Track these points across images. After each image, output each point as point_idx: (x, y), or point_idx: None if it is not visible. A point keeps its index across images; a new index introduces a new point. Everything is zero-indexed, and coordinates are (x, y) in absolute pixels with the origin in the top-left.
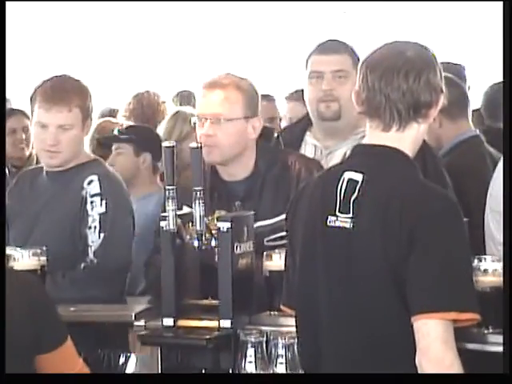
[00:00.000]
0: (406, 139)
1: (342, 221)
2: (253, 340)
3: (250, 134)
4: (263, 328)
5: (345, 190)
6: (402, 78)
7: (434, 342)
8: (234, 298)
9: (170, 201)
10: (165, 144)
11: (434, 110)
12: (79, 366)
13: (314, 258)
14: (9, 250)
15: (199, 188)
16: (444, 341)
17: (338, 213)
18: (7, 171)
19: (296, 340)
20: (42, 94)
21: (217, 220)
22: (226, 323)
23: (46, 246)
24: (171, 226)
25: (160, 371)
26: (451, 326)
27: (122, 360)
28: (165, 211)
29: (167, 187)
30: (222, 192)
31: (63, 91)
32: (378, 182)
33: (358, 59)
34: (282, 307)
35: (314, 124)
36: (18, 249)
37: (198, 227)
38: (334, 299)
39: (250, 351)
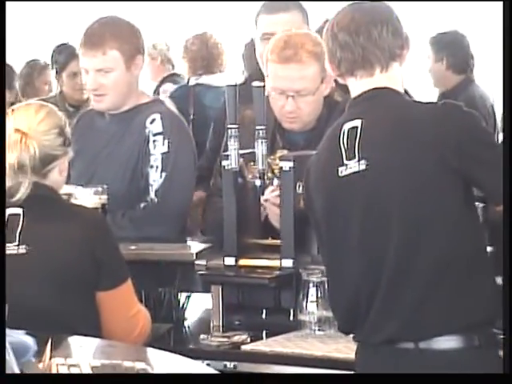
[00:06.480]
0: (392, 78)
1: (353, 166)
2: (315, 280)
3: (324, 92)
4: None
5: (347, 139)
6: (372, 27)
7: None
8: (296, 237)
9: (233, 140)
10: (228, 83)
11: (407, 51)
12: (135, 310)
13: (338, 215)
14: (70, 188)
15: (262, 127)
16: None
17: (346, 161)
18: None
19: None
20: (81, 38)
21: (279, 159)
22: (287, 263)
23: (107, 185)
24: (233, 165)
25: (221, 310)
26: None
27: (182, 299)
28: (227, 150)
29: (230, 126)
30: (282, 141)
31: (96, 35)
32: (381, 117)
33: (307, 14)
34: None
35: None
36: (79, 187)
37: (261, 166)
38: (370, 244)
39: (312, 291)
